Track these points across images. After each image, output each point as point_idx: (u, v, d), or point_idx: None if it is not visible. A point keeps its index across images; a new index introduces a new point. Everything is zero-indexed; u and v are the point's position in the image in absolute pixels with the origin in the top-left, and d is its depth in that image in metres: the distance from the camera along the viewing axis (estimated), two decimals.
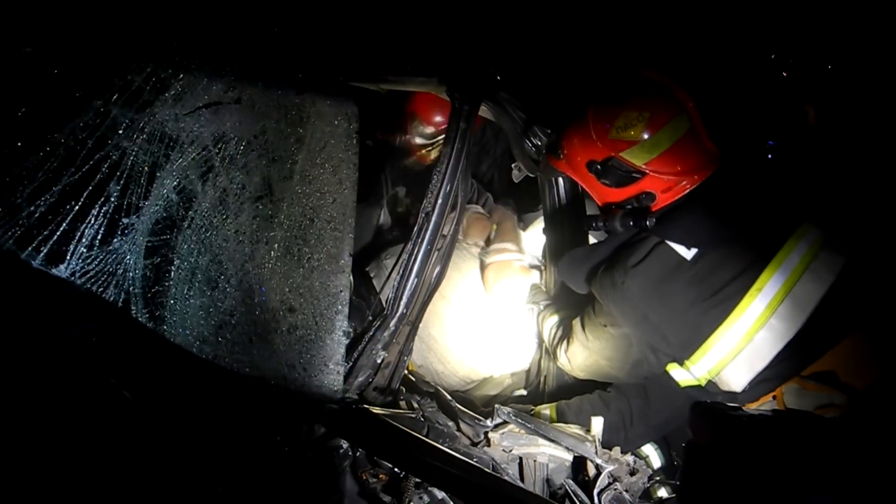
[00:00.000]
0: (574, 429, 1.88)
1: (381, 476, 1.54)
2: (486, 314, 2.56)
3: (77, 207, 1.61)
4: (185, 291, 1.75)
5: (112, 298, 1.68)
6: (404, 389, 2.02)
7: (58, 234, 1.60)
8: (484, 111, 2.11)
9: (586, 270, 1.92)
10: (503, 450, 1.80)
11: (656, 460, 2.07)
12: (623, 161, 1.76)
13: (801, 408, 1.64)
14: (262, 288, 1.73)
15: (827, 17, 2.68)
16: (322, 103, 1.84)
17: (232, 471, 1.43)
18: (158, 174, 1.71)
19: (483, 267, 2.60)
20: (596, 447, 1.80)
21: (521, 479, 1.76)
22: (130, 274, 1.71)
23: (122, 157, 1.65)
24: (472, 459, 1.63)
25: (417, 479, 1.52)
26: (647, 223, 1.75)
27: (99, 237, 1.65)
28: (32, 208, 1.58)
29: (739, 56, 2.76)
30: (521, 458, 1.81)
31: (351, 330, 1.80)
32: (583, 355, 2.00)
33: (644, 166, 1.76)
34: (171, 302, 1.75)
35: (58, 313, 1.53)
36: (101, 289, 1.66)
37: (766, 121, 2.67)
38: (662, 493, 1.76)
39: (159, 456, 1.37)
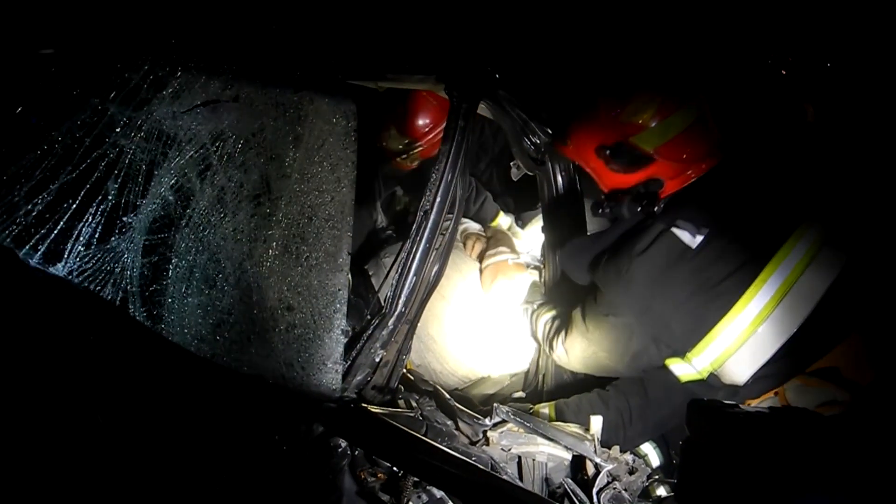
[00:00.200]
0: (573, 427, 1.88)
1: (379, 475, 1.53)
2: (485, 314, 2.56)
3: (75, 206, 1.61)
4: (183, 290, 1.74)
5: (110, 297, 1.68)
6: (403, 388, 2.01)
7: (55, 232, 1.60)
8: (483, 109, 2.10)
9: (588, 260, 1.92)
10: (502, 449, 1.80)
11: (655, 459, 2.06)
12: (632, 146, 1.77)
13: (803, 404, 1.64)
14: (260, 286, 1.72)
15: (826, 16, 2.68)
16: (320, 101, 1.83)
17: (230, 470, 1.43)
18: (156, 172, 1.71)
19: (480, 270, 2.61)
20: (595, 446, 1.80)
21: (520, 478, 1.75)
22: (128, 272, 1.71)
23: (120, 156, 1.65)
24: (470, 458, 1.62)
25: (416, 478, 1.52)
26: (655, 209, 1.75)
27: (97, 235, 1.65)
28: (30, 206, 1.58)
29: (739, 54, 2.76)
30: (519, 457, 1.80)
31: (349, 328, 1.80)
32: (581, 346, 2.00)
33: (653, 152, 1.76)
34: (169, 300, 1.74)
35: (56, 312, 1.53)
36: (99, 287, 1.66)
37: (767, 118, 2.67)
38: (661, 491, 1.76)
39: (158, 455, 1.37)
